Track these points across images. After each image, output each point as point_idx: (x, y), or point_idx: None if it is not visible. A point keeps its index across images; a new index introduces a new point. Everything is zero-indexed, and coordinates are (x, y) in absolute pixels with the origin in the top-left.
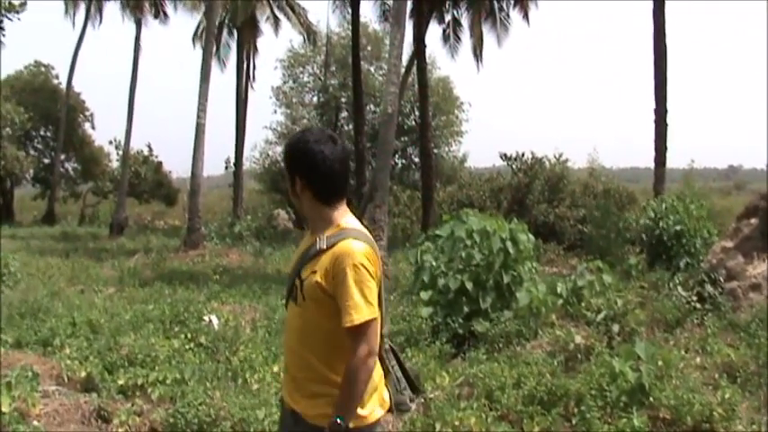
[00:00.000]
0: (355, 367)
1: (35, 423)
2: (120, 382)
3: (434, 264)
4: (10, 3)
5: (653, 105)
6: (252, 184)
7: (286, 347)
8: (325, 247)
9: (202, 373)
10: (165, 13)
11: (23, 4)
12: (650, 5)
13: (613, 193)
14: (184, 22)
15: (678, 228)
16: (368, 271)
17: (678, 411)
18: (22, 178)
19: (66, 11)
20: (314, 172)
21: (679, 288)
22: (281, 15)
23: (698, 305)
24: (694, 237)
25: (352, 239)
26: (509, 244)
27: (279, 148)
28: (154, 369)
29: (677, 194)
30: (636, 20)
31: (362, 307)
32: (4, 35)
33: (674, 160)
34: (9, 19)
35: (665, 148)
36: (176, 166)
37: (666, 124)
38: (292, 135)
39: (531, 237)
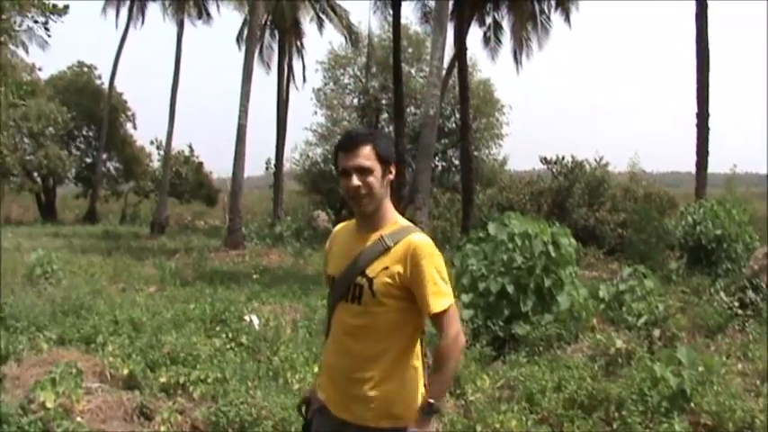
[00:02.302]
0: (447, 349)
1: (78, 419)
2: (162, 379)
3: (475, 266)
4: (54, 5)
5: (695, 109)
6: (292, 185)
7: (337, 352)
8: (392, 243)
9: (244, 372)
10: (209, 14)
11: (66, 7)
12: (693, 8)
13: (654, 198)
14: (228, 23)
15: (719, 233)
16: (440, 258)
17: (719, 417)
18: (65, 177)
19: (104, 10)
20: (398, 165)
21: (721, 294)
22: (323, 17)
23: (739, 311)
24: (736, 242)
25: (419, 233)
26: (551, 247)
27: (319, 150)
28: (195, 368)
29: (718, 199)
30: (678, 22)
31: (446, 292)
32: (49, 35)
33: (716, 165)
34: (54, 21)
35: (707, 153)
36: (217, 166)
37: (708, 128)
38: (370, 129)
39: (573, 240)
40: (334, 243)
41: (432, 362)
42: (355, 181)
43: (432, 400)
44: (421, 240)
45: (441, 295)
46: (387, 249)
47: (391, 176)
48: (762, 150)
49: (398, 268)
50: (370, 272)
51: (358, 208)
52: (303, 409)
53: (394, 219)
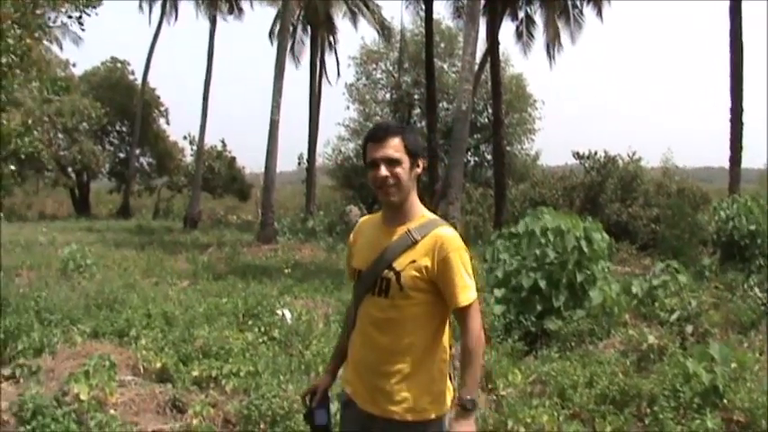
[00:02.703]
0: (474, 344)
1: (112, 412)
2: (195, 373)
3: (508, 261)
4: None
5: (729, 104)
6: (324, 180)
7: (364, 345)
8: (419, 237)
9: (276, 366)
10: (240, 9)
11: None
12: (727, 2)
13: (687, 193)
14: (260, 18)
15: (752, 228)
16: (467, 253)
17: (752, 414)
18: (99, 172)
19: (141, 6)
20: (426, 159)
21: (755, 289)
22: (356, 11)
23: None
24: None
25: (446, 227)
26: (583, 243)
27: (351, 145)
28: (228, 361)
29: (752, 195)
30: (713, 17)
31: (471, 287)
32: (83, 29)
33: (750, 160)
34: (87, 14)
35: (741, 148)
36: (249, 161)
37: (742, 123)
38: (399, 123)
39: (606, 236)
40: (360, 236)
41: (460, 358)
42: (384, 171)
43: (470, 396)
44: (448, 234)
45: (467, 289)
46: (414, 243)
47: (419, 170)
48: None
49: (426, 262)
50: (397, 265)
51: (385, 198)
52: (308, 399)
53: (421, 212)
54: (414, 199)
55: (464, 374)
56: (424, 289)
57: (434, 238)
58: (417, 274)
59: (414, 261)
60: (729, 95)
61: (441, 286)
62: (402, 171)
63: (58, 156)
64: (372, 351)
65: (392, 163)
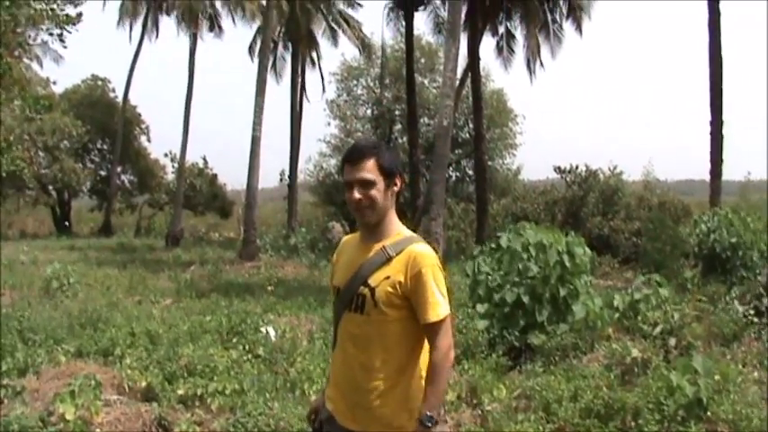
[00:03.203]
0: (440, 362)
1: (98, 431)
2: (180, 391)
3: (490, 277)
4: (67, 15)
5: (709, 117)
6: (306, 196)
7: (344, 362)
8: (394, 254)
9: (261, 383)
10: (221, 27)
11: (80, 15)
12: (706, 15)
13: (668, 206)
14: (241, 35)
15: (734, 241)
16: (441, 270)
17: (736, 426)
18: (80, 190)
19: (119, 22)
20: (403, 177)
21: (736, 302)
22: (336, 28)
23: (755, 319)
24: (751, 250)
25: (421, 243)
26: (565, 257)
27: (333, 161)
28: (213, 379)
29: (733, 207)
30: (692, 30)
31: (443, 303)
32: (65, 47)
33: (731, 172)
34: (68, 32)
35: (721, 161)
36: (231, 178)
37: (722, 137)
38: (376, 141)
39: (588, 250)
40: (341, 255)
41: (426, 374)
42: (357, 194)
43: (429, 412)
44: (421, 250)
45: (437, 305)
46: (389, 259)
47: (396, 189)
48: None
49: (399, 277)
50: (372, 281)
51: (361, 219)
52: (312, 418)
53: (397, 230)
54: (391, 217)
55: (427, 390)
56: (399, 305)
57: (408, 255)
58: (391, 290)
59: (388, 277)
60: (709, 109)
61: (413, 302)
62: (376, 192)
63: (38, 174)
64: (351, 368)
65: (366, 185)
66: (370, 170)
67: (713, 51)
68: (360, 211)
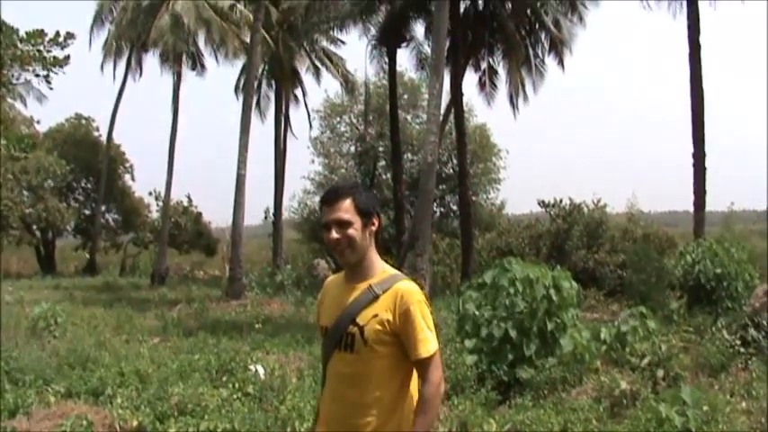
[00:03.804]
0: (431, 395)
1: None
2: (172, 430)
3: (478, 312)
4: (55, 57)
5: (691, 149)
6: (291, 233)
7: (334, 401)
8: (381, 292)
9: (252, 422)
10: (203, 66)
11: (67, 57)
12: (687, 49)
13: (653, 238)
14: (224, 73)
15: (718, 271)
16: (428, 306)
17: None
18: (64, 230)
19: (103, 66)
20: (380, 217)
21: (722, 332)
22: (319, 65)
23: (742, 349)
24: (736, 280)
25: (407, 281)
26: (552, 291)
27: (317, 198)
28: (204, 418)
29: (717, 238)
30: (673, 62)
31: (432, 338)
32: (51, 88)
33: (714, 203)
34: (55, 73)
35: (704, 192)
36: (215, 215)
37: (705, 168)
38: (353, 182)
39: (574, 284)
40: (326, 295)
41: (415, 406)
42: (334, 234)
43: None
44: (408, 287)
45: (427, 341)
46: (376, 297)
47: (374, 228)
48: (759, 187)
49: (387, 315)
50: (360, 320)
51: (341, 259)
52: None
53: (381, 268)
54: (372, 256)
55: (417, 420)
56: (388, 342)
57: (395, 292)
58: (380, 328)
59: (376, 315)
60: (692, 141)
61: (402, 338)
62: (354, 232)
63: (23, 214)
64: (341, 406)
65: (343, 225)
66: (346, 210)
67: (694, 84)
68: (339, 251)
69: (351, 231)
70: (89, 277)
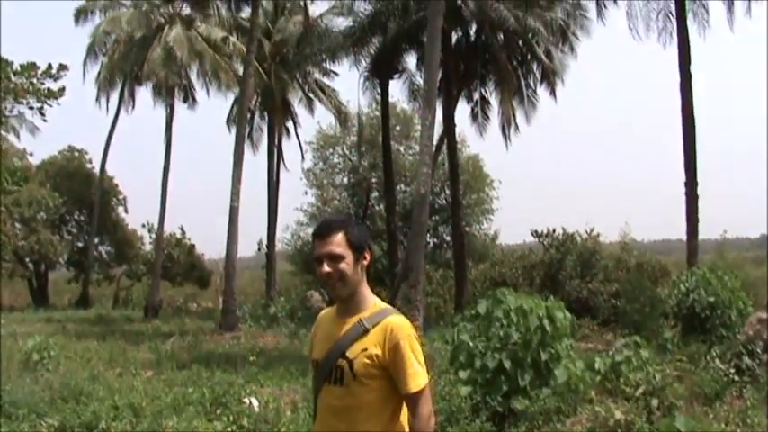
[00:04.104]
0: (421, 429)
1: None
2: None
3: (471, 343)
4: (49, 90)
5: (683, 178)
6: (284, 265)
7: None
8: (371, 326)
9: None
10: (195, 99)
11: (62, 90)
12: (678, 79)
13: (646, 267)
14: (215, 104)
15: (712, 300)
16: (418, 340)
17: None
18: (57, 262)
19: (98, 98)
20: (373, 251)
21: (716, 361)
22: (312, 97)
23: (736, 377)
24: (729, 308)
25: (397, 315)
26: (546, 322)
27: (310, 230)
28: None
29: (710, 266)
30: (665, 91)
31: (422, 372)
32: (45, 121)
33: (707, 231)
34: (50, 105)
35: (697, 221)
36: (209, 246)
37: (697, 197)
38: (345, 216)
39: (568, 314)
40: (319, 329)
41: None
42: (326, 268)
43: None
44: (398, 322)
45: (417, 375)
46: (365, 332)
47: (365, 262)
48: (751, 215)
49: (376, 350)
50: (350, 354)
51: (333, 292)
52: None
53: (373, 302)
54: (364, 290)
55: None
56: (377, 375)
57: (385, 326)
58: (369, 362)
59: (365, 349)
60: (684, 169)
61: (392, 372)
62: (346, 266)
63: (15, 246)
64: None
65: (335, 259)
66: (338, 244)
67: (685, 113)
68: (330, 285)
69: (342, 265)
70: (82, 310)
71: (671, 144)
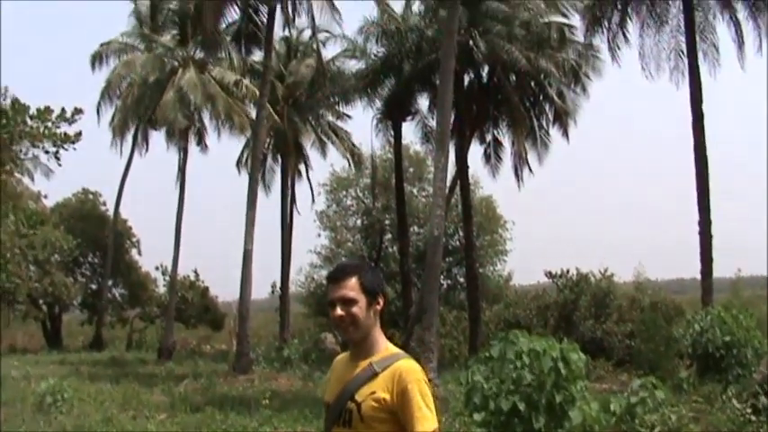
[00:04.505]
0: None
1: None
2: None
3: (485, 385)
4: (65, 134)
5: (697, 216)
6: (297, 307)
7: None
8: (380, 370)
9: None
10: (206, 144)
11: (79, 134)
12: (690, 119)
13: (660, 306)
14: (231, 145)
15: (727, 339)
16: (427, 385)
17: None
18: (70, 304)
19: (113, 142)
20: (386, 296)
21: (733, 401)
22: (325, 140)
23: (753, 417)
24: (745, 347)
25: (407, 360)
26: (560, 364)
27: (324, 272)
28: None
29: (725, 305)
30: (678, 130)
31: (431, 417)
32: (60, 165)
33: (721, 269)
34: (65, 149)
35: (711, 259)
36: (222, 289)
37: (711, 235)
38: (359, 261)
39: (582, 355)
40: (333, 372)
41: None
42: (339, 311)
43: None
44: (408, 367)
45: (425, 420)
46: (374, 375)
47: (379, 307)
48: (766, 252)
49: (384, 394)
50: (358, 397)
51: (345, 336)
52: None
53: (384, 346)
54: (376, 334)
55: None
56: (385, 419)
57: (394, 371)
58: (376, 405)
59: (374, 392)
60: (697, 208)
61: (400, 417)
62: (358, 310)
63: (29, 288)
64: None
65: (348, 303)
66: (352, 288)
67: (698, 152)
68: (343, 329)
69: (355, 309)
70: (95, 352)
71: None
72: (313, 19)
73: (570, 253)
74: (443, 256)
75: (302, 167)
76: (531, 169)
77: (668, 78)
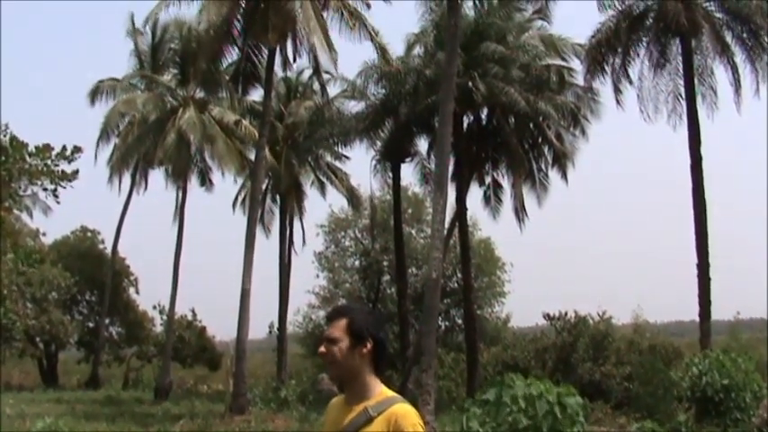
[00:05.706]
0: None
1: None
2: None
3: (481, 429)
4: (63, 171)
5: (695, 259)
6: (295, 347)
7: None
8: (375, 414)
9: None
10: (211, 182)
11: (76, 172)
12: (689, 161)
13: (659, 349)
14: (229, 184)
15: (726, 382)
16: (422, 428)
17: None
18: (67, 342)
19: (110, 180)
20: (382, 341)
21: None
22: (324, 180)
23: None
24: (743, 391)
25: (403, 404)
26: (557, 408)
27: (322, 312)
28: None
29: (723, 348)
30: (676, 174)
31: None
32: (58, 202)
33: (720, 311)
34: (63, 187)
35: (710, 302)
36: (219, 328)
37: (710, 278)
38: (358, 304)
39: (579, 398)
40: (328, 416)
41: None
42: (321, 348)
43: None
44: (403, 411)
45: None
46: (370, 420)
47: (365, 351)
48: (765, 295)
49: None
50: None
51: (327, 374)
52: None
53: (379, 390)
54: (367, 378)
55: None
56: None
57: (389, 415)
58: None
59: None
60: (695, 251)
61: None
62: (337, 350)
63: (26, 326)
64: None
65: (330, 342)
66: (338, 328)
67: (696, 195)
68: (325, 366)
69: (335, 349)
70: (92, 391)
71: (683, 225)
72: (316, 58)
73: (568, 295)
74: (441, 298)
75: (302, 207)
76: (526, 213)
77: (666, 121)
